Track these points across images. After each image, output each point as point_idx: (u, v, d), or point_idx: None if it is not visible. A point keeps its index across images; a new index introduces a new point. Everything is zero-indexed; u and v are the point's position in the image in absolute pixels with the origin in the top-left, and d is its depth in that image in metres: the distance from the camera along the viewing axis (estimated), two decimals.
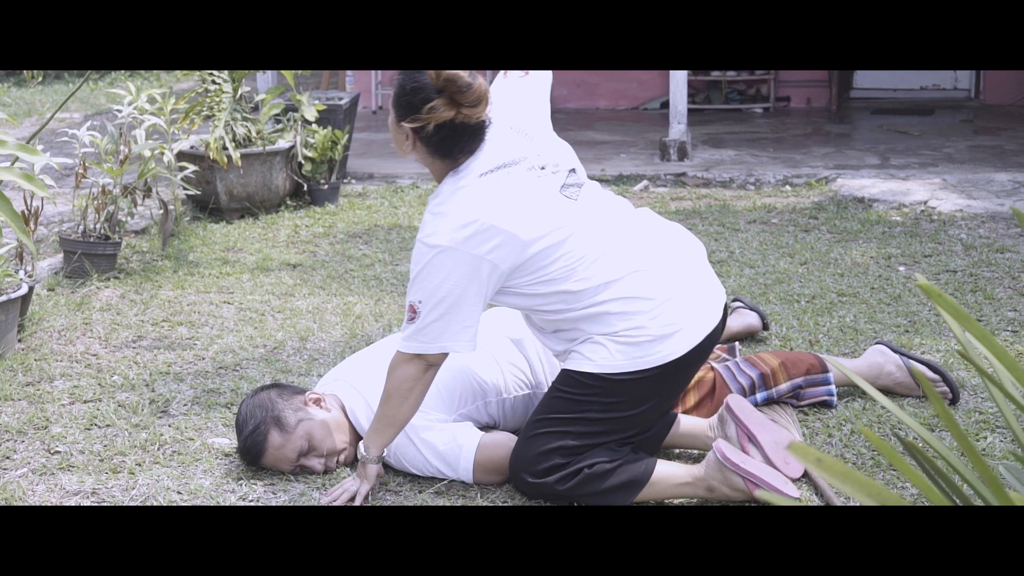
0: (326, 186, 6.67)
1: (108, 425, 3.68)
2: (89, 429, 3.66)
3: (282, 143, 6.50)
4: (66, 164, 5.75)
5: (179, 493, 3.24)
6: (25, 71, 5.41)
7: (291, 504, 3.18)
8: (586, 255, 3.01)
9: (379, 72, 10.21)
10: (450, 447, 3.22)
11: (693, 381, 3.51)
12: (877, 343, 3.78)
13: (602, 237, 3.05)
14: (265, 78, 7.51)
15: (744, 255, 5.44)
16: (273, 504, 3.20)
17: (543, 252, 2.98)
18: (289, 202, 6.67)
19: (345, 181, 7.19)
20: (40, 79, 5.08)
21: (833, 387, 3.63)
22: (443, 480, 3.25)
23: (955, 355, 3.99)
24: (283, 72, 7.06)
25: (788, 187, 6.99)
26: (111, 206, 5.34)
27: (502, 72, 3.31)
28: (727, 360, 3.70)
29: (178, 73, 11.08)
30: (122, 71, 12.15)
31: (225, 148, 6.12)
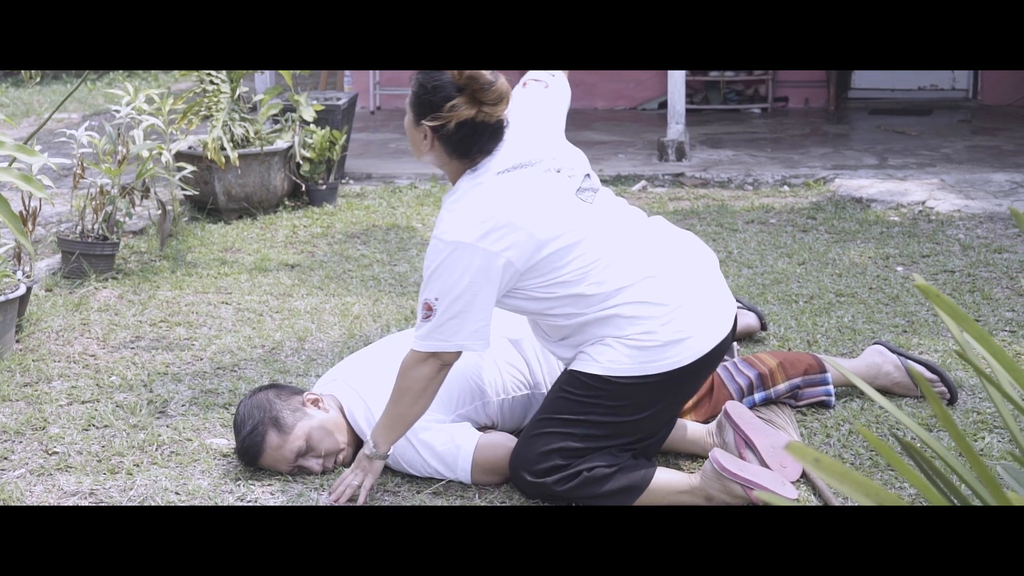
0: (324, 186, 6.67)
1: (106, 426, 3.68)
2: (87, 430, 3.66)
3: (280, 143, 6.50)
4: (64, 164, 5.75)
5: (177, 494, 3.24)
6: (23, 71, 5.41)
7: (289, 504, 3.18)
8: (600, 259, 3.01)
9: (377, 72, 10.20)
10: (448, 448, 3.22)
11: None
12: (875, 343, 3.79)
13: (616, 242, 3.05)
14: (263, 78, 7.51)
15: (742, 255, 5.44)
16: (271, 504, 3.20)
17: (557, 253, 2.97)
18: (287, 202, 6.67)
19: (343, 181, 7.19)
20: (38, 79, 5.08)
21: (831, 387, 3.63)
22: (441, 481, 3.25)
23: (953, 355, 4.00)
24: (281, 72, 7.06)
25: (786, 187, 6.99)
26: (109, 206, 5.34)
27: (521, 82, 3.33)
28: (725, 360, 3.70)
29: (176, 73, 11.08)
30: (120, 71, 12.15)
31: (223, 148, 6.12)
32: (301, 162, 6.60)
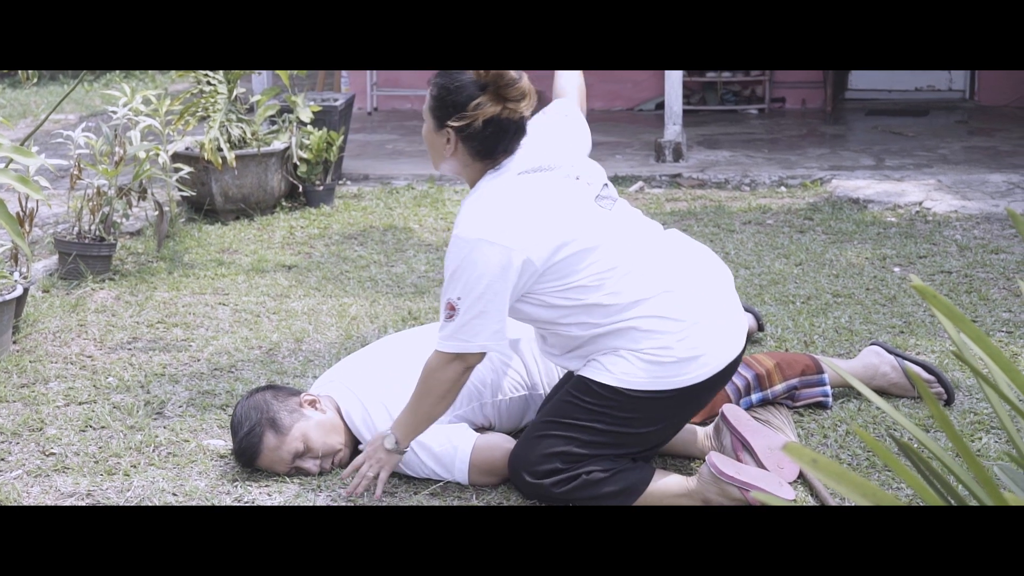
0: (321, 187, 6.67)
1: (103, 427, 3.68)
2: (84, 431, 3.66)
3: (277, 144, 6.49)
4: (61, 165, 5.74)
5: (174, 495, 3.23)
6: (20, 72, 5.41)
7: (286, 505, 3.18)
8: (617, 266, 3.00)
9: (374, 73, 10.20)
10: (446, 449, 3.22)
11: None
12: (872, 344, 3.79)
13: (634, 252, 3.04)
14: (260, 79, 7.51)
15: (739, 256, 5.44)
16: (268, 505, 3.20)
17: (576, 255, 2.97)
18: (284, 203, 6.67)
19: (340, 182, 7.19)
20: (35, 80, 5.08)
21: (828, 388, 3.63)
22: (439, 482, 3.25)
23: (950, 356, 4.00)
24: (278, 73, 7.06)
25: (783, 188, 6.99)
26: (106, 207, 5.34)
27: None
28: None
29: (173, 74, 11.07)
30: (117, 72, 12.14)
31: (220, 149, 6.12)
32: (298, 163, 6.59)
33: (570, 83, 3.47)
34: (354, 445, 3.40)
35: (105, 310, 4.85)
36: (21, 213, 4.88)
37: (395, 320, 4.61)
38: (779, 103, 10.02)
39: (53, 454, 3.50)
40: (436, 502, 3.19)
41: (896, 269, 5.17)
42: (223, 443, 3.53)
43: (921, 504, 2.85)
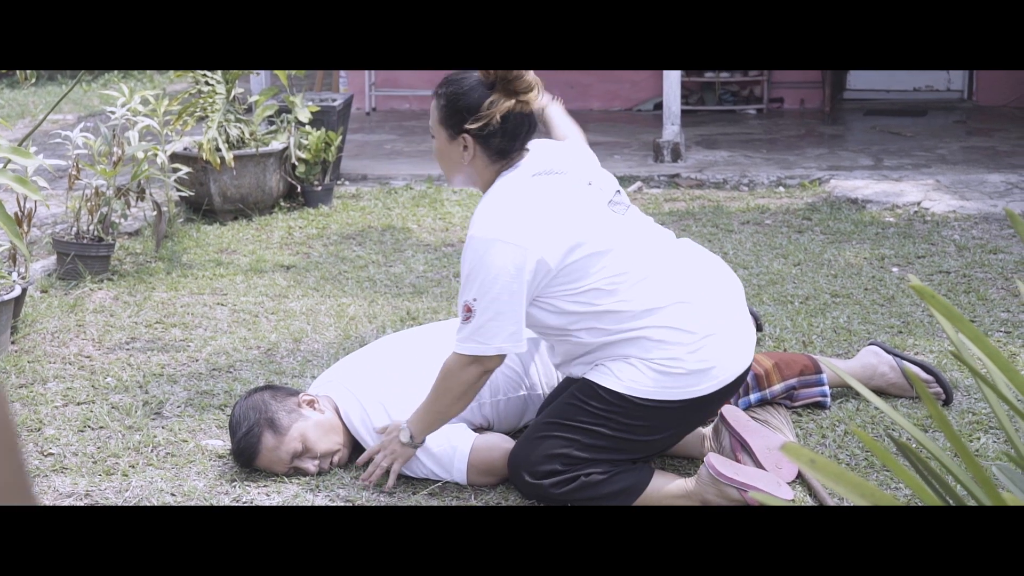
0: (320, 187, 6.67)
1: (101, 427, 3.68)
2: (82, 431, 3.66)
3: (276, 144, 6.49)
4: (59, 166, 5.74)
5: (173, 495, 3.23)
6: (18, 72, 5.40)
7: (285, 505, 3.18)
8: (629, 271, 2.99)
9: (373, 73, 10.20)
10: (444, 449, 3.22)
11: None
12: (870, 344, 3.79)
13: (647, 258, 3.04)
14: (258, 79, 7.50)
15: (738, 256, 5.44)
16: (267, 505, 3.20)
17: (588, 258, 2.96)
18: (283, 203, 6.66)
19: (339, 183, 7.19)
20: (33, 80, 5.07)
21: (827, 388, 3.63)
22: (437, 482, 3.25)
23: (948, 356, 4.00)
24: (277, 73, 7.05)
25: (781, 188, 6.99)
26: (104, 208, 5.34)
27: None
28: None
29: (171, 74, 11.06)
30: (115, 72, 12.14)
31: (218, 149, 6.12)
32: (296, 163, 6.59)
33: (569, 128, 3.52)
34: (353, 445, 3.40)
35: (103, 310, 4.85)
36: (19, 213, 4.88)
37: (393, 320, 4.61)
38: (777, 103, 10.02)
39: (51, 454, 3.50)
40: (435, 502, 3.19)
41: (894, 269, 5.18)
42: (221, 443, 3.53)
43: (919, 504, 2.85)
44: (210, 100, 6.30)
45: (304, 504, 3.19)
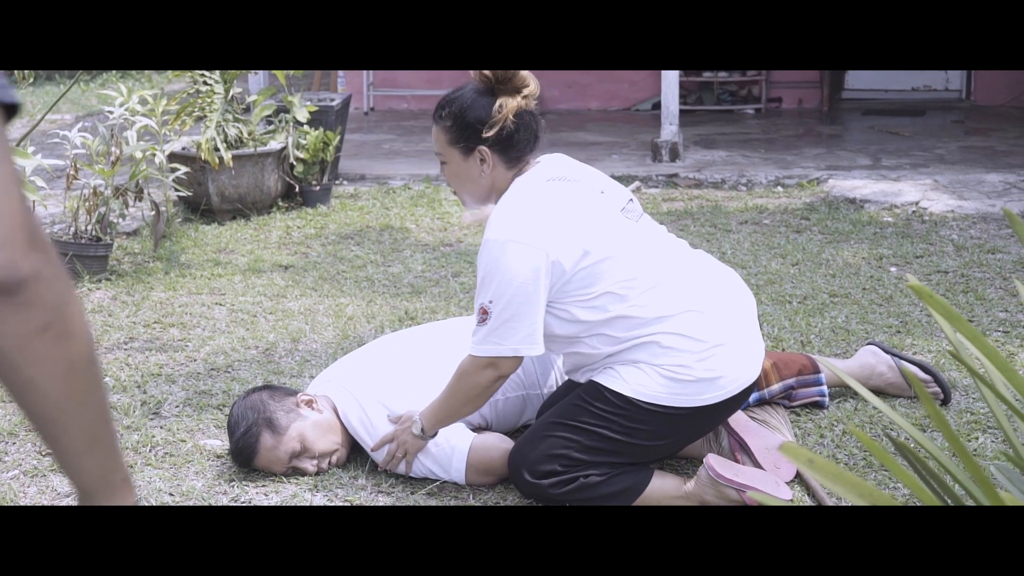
0: (318, 187, 6.67)
1: None
2: None
3: (274, 144, 6.49)
4: (57, 166, 5.73)
5: (171, 495, 3.23)
6: (16, 72, 5.40)
7: (283, 505, 3.18)
8: (641, 277, 2.99)
9: (371, 73, 10.20)
10: (443, 449, 3.22)
11: None
12: (869, 344, 3.79)
13: (659, 265, 3.04)
14: (257, 79, 7.50)
15: (736, 256, 5.44)
16: (265, 505, 3.20)
17: (601, 262, 2.96)
18: (281, 203, 6.66)
19: (337, 182, 7.19)
20: (31, 80, 5.07)
21: (825, 388, 3.63)
22: (436, 481, 3.25)
23: (946, 356, 4.00)
24: (275, 73, 7.05)
25: (780, 188, 7.00)
26: (102, 208, 5.33)
27: None
28: None
29: (169, 74, 11.06)
30: (113, 72, 12.13)
31: (216, 149, 6.12)
32: (295, 163, 6.59)
33: None
34: (351, 445, 3.40)
35: (101, 310, 4.85)
36: None
37: (392, 320, 4.61)
38: (776, 103, 10.02)
39: (50, 454, 3.50)
40: (433, 502, 3.19)
41: (893, 269, 5.18)
42: (220, 443, 3.53)
43: (918, 504, 2.85)
44: (208, 100, 6.29)
45: (303, 504, 3.19)
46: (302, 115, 6.53)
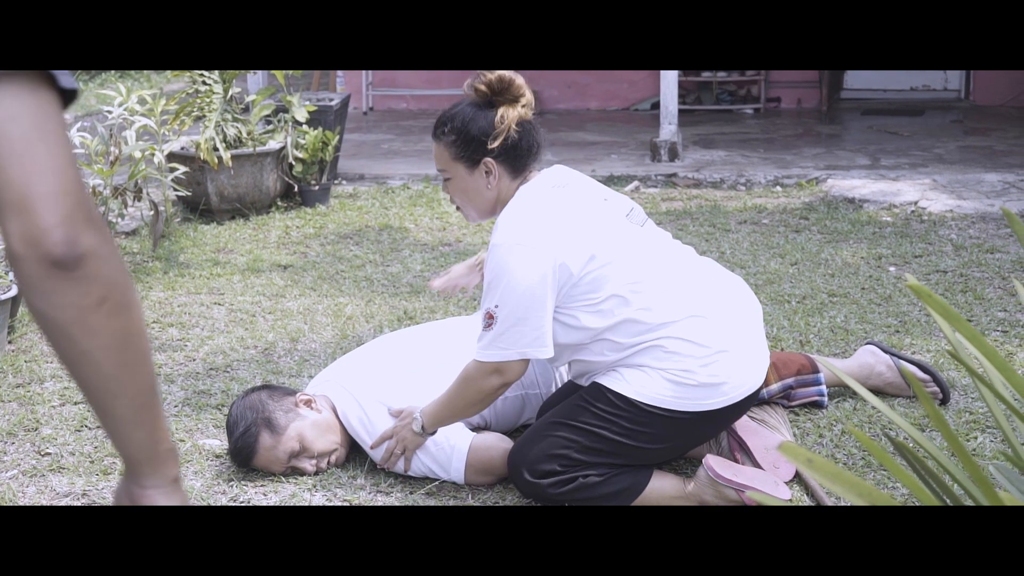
0: (317, 187, 6.67)
1: (98, 427, 3.67)
2: (79, 431, 3.66)
3: (273, 144, 6.49)
4: None
5: None
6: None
7: (282, 505, 3.18)
8: (646, 280, 2.99)
9: (370, 73, 10.20)
10: (442, 448, 3.22)
11: None
12: (868, 343, 3.79)
13: (664, 270, 3.04)
14: (255, 79, 7.50)
15: (735, 256, 5.44)
16: (264, 505, 3.20)
17: (607, 266, 2.97)
18: (280, 203, 6.66)
19: (336, 182, 7.19)
20: None
21: (824, 387, 3.63)
22: (435, 481, 3.25)
23: (945, 355, 4.00)
24: (274, 73, 7.05)
25: (778, 188, 7.00)
26: (101, 207, 5.33)
27: None
28: None
29: (168, 74, 11.06)
30: (112, 72, 12.13)
31: (215, 149, 6.11)
32: (294, 163, 6.59)
33: None
34: (350, 444, 3.40)
35: None
36: None
37: (391, 320, 4.61)
38: (775, 103, 10.02)
39: (49, 454, 3.50)
40: (432, 502, 3.19)
41: (891, 268, 5.18)
42: (219, 443, 3.53)
43: (917, 504, 2.85)
44: (207, 100, 6.29)
45: (301, 504, 3.19)
46: (301, 115, 6.53)
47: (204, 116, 6.24)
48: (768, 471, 3.18)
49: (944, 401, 3.64)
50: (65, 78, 1.29)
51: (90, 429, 3.66)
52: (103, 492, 3.25)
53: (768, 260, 5.34)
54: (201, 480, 3.31)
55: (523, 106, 3.04)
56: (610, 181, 7.18)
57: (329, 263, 5.53)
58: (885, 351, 3.71)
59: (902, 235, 5.72)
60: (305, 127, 6.61)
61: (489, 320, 2.95)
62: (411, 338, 3.60)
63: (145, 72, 11.66)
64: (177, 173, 5.82)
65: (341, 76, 10.16)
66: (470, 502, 3.19)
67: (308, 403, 3.37)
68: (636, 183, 7.13)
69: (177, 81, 11.46)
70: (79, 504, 3.21)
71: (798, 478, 3.23)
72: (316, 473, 3.33)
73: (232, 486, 3.27)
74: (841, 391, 3.75)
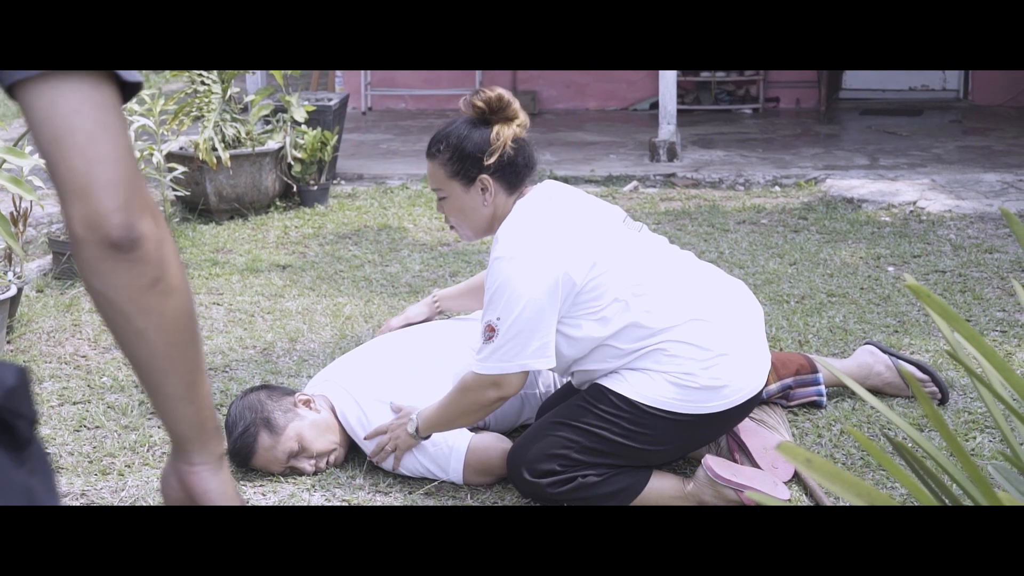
0: (315, 187, 6.66)
1: (97, 427, 3.67)
2: (78, 431, 3.65)
3: (271, 144, 6.49)
4: None
5: None
6: None
7: (281, 505, 3.18)
8: (645, 283, 3.00)
9: (368, 73, 10.19)
10: (440, 448, 3.22)
11: None
12: (866, 343, 3.79)
13: (665, 274, 3.05)
14: (254, 79, 7.50)
15: (734, 256, 5.44)
16: (263, 505, 3.20)
17: (608, 273, 2.97)
18: (279, 203, 6.66)
19: (335, 182, 7.18)
20: None
21: (823, 387, 3.63)
22: (433, 481, 3.25)
23: (944, 355, 4.00)
24: (272, 73, 7.05)
25: (777, 187, 7.00)
26: None
27: None
28: None
29: (167, 74, 11.06)
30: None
31: (214, 149, 6.11)
32: (292, 163, 6.59)
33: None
34: (349, 444, 3.40)
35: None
36: (15, 213, 4.87)
37: (389, 319, 4.61)
38: (773, 103, 10.02)
39: (47, 454, 3.49)
40: (431, 502, 3.19)
41: (890, 268, 5.18)
42: None
43: (915, 504, 2.86)
44: (206, 100, 6.29)
45: (300, 504, 3.19)
46: (300, 115, 6.53)
47: (203, 116, 6.23)
48: (767, 471, 3.18)
49: (943, 401, 3.64)
50: (129, 73, 1.39)
51: (88, 429, 3.66)
52: (101, 492, 3.25)
53: (767, 260, 5.34)
54: None
55: (518, 125, 3.05)
56: (609, 181, 7.18)
57: (328, 263, 5.52)
58: (884, 351, 3.71)
59: (901, 235, 5.72)
60: (304, 127, 6.61)
61: (490, 333, 2.95)
62: (410, 338, 3.60)
63: (144, 72, 11.65)
64: (176, 173, 5.81)
65: (340, 76, 10.16)
66: (469, 502, 3.19)
67: (307, 403, 3.37)
68: (635, 183, 7.13)
69: (176, 81, 11.46)
70: (78, 504, 3.21)
71: (797, 478, 3.23)
72: (315, 473, 3.33)
73: None
74: (840, 391, 3.75)
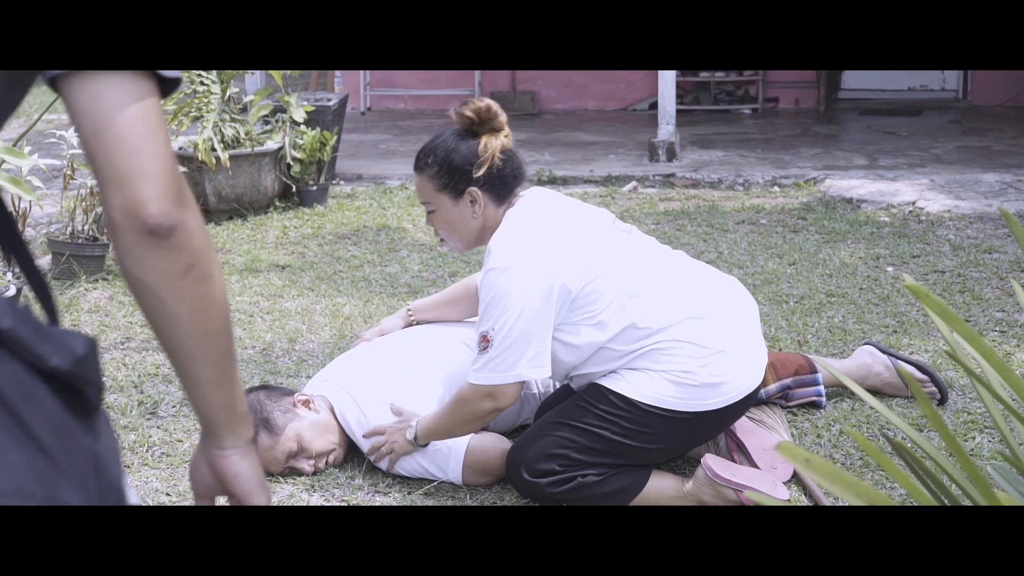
0: (315, 187, 6.66)
1: None
2: None
3: (271, 144, 6.49)
4: (54, 166, 5.72)
5: (168, 495, 3.23)
6: None
7: (280, 505, 3.18)
8: (639, 283, 3.00)
9: (368, 73, 10.19)
10: (440, 449, 3.22)
11: None
12: (865, 343, 3.79)
13: (658, 274, 3.05)
14: (253, 79, 7.50)
15: (733, 256, 5.44)
16: (262, 505, 3.19)
17: (602, 277, 2.97)
18: (278, 203, 6.66)
19: (334, 182, 7.18)
20: None
21: (822, 388, 3.63)
22: (432, 481, 3.25)
23: (943, 355, 4.00)
24: (271, 73, 7.05)
25: (776, 188, 7.00)
26: (99, 207, 5.33)
27: None
28: None
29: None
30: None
31: (213, 149, 6.11)
32: (291, 163, 6.59)
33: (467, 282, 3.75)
34: (348, 445, 3.40)
35: (98, 310, 4.85)
36: (14, 213, 4.87)
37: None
38: (772, 103, 10.03)
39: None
40: (430, 502, 3.19)
41: (889, 269, 5.18)
42: None
43: (914, 504, 2.86)
44: (205, 100, 6.29)
45: (299, 504, 3.19)
46: (299, 115, 6.53)
47: (202, 116, 6.23)
48: (766, 471, 3.18)
49: (942, 401, 3.64)
50: (168, 70, 1.45)
51: None
52: None
53: (766, 260, 5.34)
54: None
55: (504, 135, 3.06)
56: (608, 181, 7.18)
57: (327, 263, 5.52)
58: (883, 351, 3.71)
59: (900, 235, 5.72)
60: (303, 127, 6.61)
61: (485, 343, 2.95)
62: (409, 339, 3.60)
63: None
64: None
65: (339, 76, 10.16)
66: (468, 502, 3.19)
67: (306, 403, 3.37)
68: (634, 183, 7.13)
69: None
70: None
71: (796, 478, 3.23)
72: (314, 473, 3.33)
73: None
74: (839, 391, 3.75)
